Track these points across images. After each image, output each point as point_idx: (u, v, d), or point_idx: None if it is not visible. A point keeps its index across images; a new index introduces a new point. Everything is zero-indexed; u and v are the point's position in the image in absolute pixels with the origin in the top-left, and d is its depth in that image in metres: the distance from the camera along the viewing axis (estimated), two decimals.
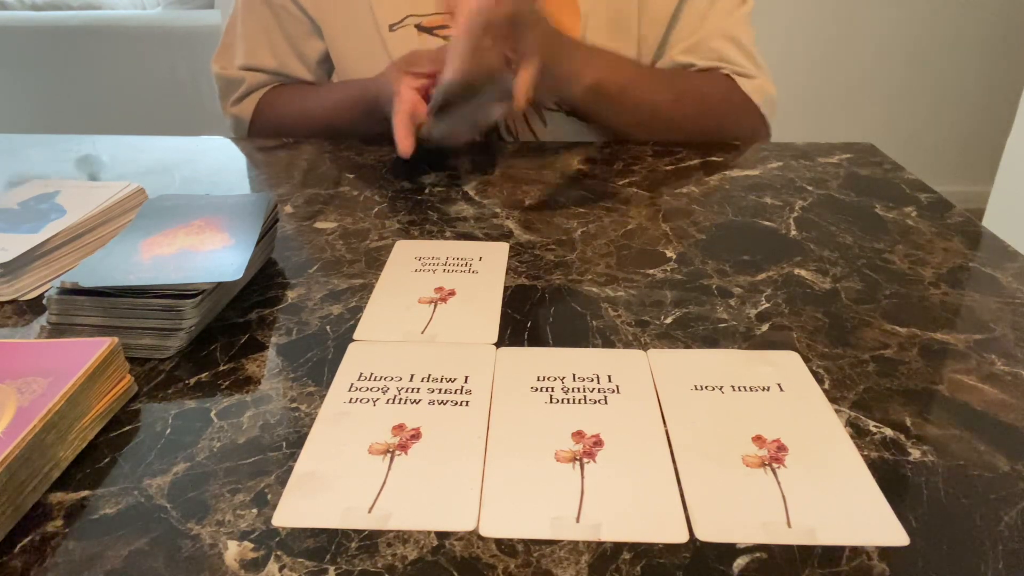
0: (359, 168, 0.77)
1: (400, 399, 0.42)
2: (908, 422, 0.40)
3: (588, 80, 0.76)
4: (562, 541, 0.33)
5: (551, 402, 0.42)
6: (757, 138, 0.86)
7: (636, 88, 0.80)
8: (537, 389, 0.43)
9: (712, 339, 0.47)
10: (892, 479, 0.36)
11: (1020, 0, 2.34)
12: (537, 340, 0.48)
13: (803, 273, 0.56)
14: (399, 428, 0.39)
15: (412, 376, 0.44)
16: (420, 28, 0.84)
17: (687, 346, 0.47)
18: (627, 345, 0.47)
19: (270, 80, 0.92)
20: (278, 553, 0.32)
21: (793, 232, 0.62)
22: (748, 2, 0.85)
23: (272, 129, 0.91)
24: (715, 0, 0.83)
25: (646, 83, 0.82)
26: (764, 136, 0.87)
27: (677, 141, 0.83)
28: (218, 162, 0.82)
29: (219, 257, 0.50)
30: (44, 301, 0.47)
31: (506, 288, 0.54)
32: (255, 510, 0.34)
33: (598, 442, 0.38)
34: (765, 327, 0.49)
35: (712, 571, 0.31)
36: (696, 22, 0.84)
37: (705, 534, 0.33)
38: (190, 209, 0.57)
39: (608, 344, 0.47)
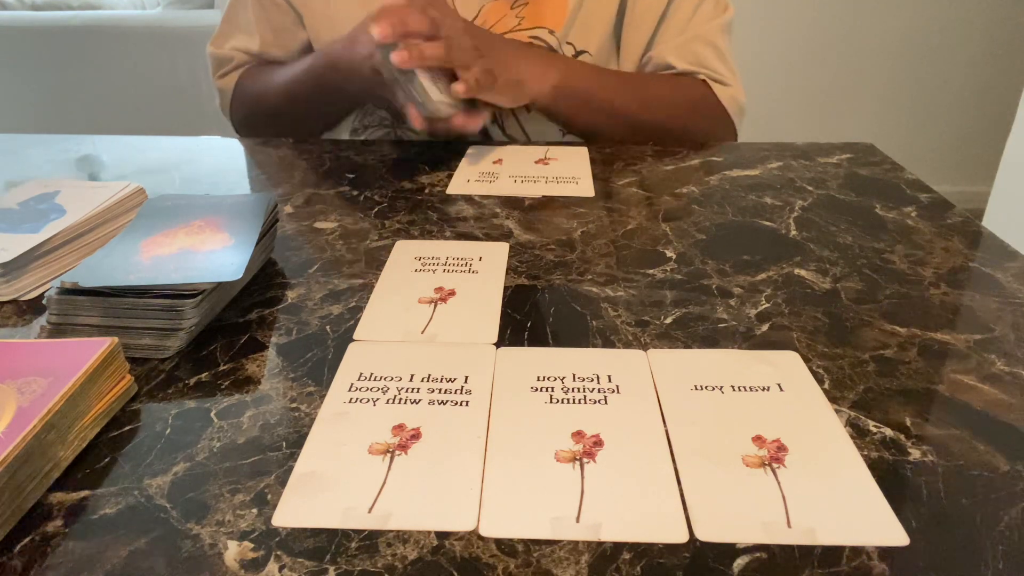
0: (359, 168, 0.77)
1: (400, 399, 0.42)
2: (908, 422, 0.40)
3: (550, 82, 0.78)
4: (562, 541, 0.33)
5: (551, 402, 0.42)
6: (715, 135, 0.89)
7: (599, 91, 0.82)
8: (537, 389, 0.43)
9: (712, 339, 0.47)
10: (892, 479, 0.36)
11: (1020, 0, 2.34)
12: (537, 340, 0.48)
13: (803, 273, 0.56)
14: (399, 428, 0.39)
15: (412, 376, 0.44)
16: None
17: (687, 346, 0.47)
18: (627, 345, 0.47)
19: (255, 60, 0.95)
20: (278, 553, 0.32)
21: (793, 232, 0.62)
22: (729, 11, 0.88)
23: (247, 104, 0.94)
24: (699, 5, 0.86)
25: (610, 87, 0.84)
26: (721, 132, 0.89)
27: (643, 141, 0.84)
28: (218, 162, 0.82)
29: (219, 257, 0.50)
30: (44, 301, 0.47)
31: (506, 288, 0.54)
32: (255, 510, 0.34)
33: (598, 442, 0.38)
34: (765, 327, 0.49)
35: (712, 571, 0.31)
36: (682, 24, 0.86)
37: (705, 534, 0.33)
38: (190, 209, 0.57)
39: (608, 344, 0.47)
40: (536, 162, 0.78)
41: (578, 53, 0.87)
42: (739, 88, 0.88)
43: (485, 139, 0.89)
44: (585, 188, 0.72)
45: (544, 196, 0.70)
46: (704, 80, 0.86)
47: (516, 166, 0.77)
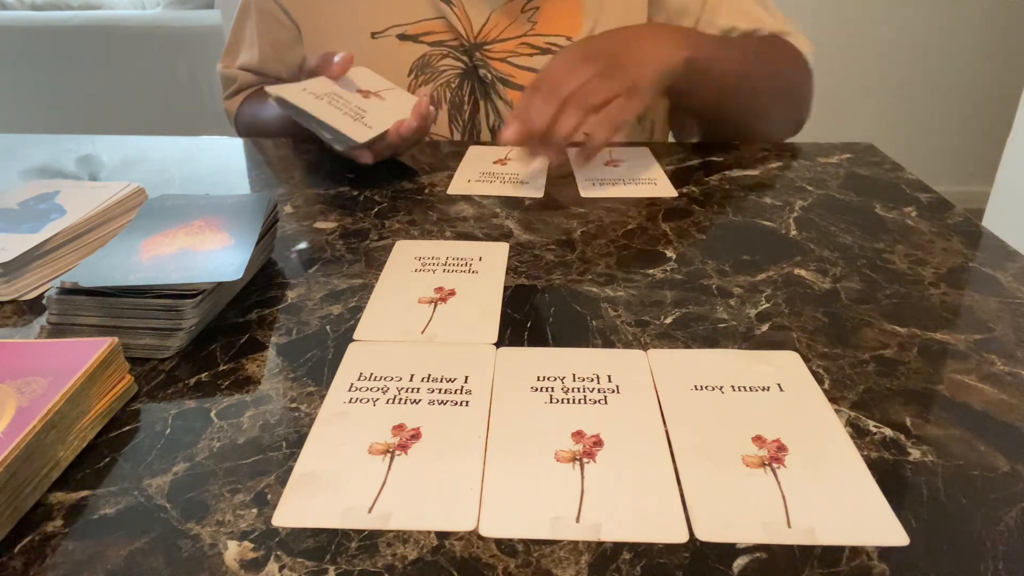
0: (359, 168, 0.77)
1: (400, 399, 0.42)
2: (908, 422, 0.40)
3: (680, 57, 0.73)
4: (562, 541, 0.33)
5: (551, 402, 0.41)
6: (808, 91, 0.86)
7: (721, 57, 0.78)
8: (537, 389, 0.43)
9: (712, 339, 0.47)
10: (892, 479, 0.36)
11: (1020, 0, 2.34)
12: (537, 340, 0.48)
13: (803, 273, 0.56)
14: (399, 428, 0.39)
15: (412, 376, 0.44)
16: (403, 37, 0.85)
17: (687, 346, 0.47)
18: (627, 345, 0.47)
19: (258, 80, 0.96)
20: (278, 553, 0.32)
21: (793, 232, 0.62)
22: None
23: (248, 129, 0.96)
24: None
25: (726, 50, 0.80)
26: (811, 89, 0.87)
27: (739, 120, 0.82)
28: (218, 162, 0.82)
29: (219, 257, 0.50)
30: (44, 301, 0.47)
31: (506, 288, 0.54)
32: (255, 510, 0.34)
33: (598, 442, 0.38)
34: (765, 327, 0.49)
35: (712, 571, 0.31)
36: None
37: (705, 534, 0.33)
38: (190, 209, 0.57)
39: (608, 344, 0.47)
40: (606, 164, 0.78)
41: None
42: (802, 35, 0.85)
43: (476, 118, 0.89)
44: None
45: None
46: (772, 33, 0.85)
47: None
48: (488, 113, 0.88)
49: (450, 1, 0.84)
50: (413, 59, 0.85)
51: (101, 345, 0.40)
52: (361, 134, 0.71)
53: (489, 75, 0.86)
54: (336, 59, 0.76)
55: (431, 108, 0.76)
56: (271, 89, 0.73)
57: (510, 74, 0.86)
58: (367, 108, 0.75)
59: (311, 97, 0.73)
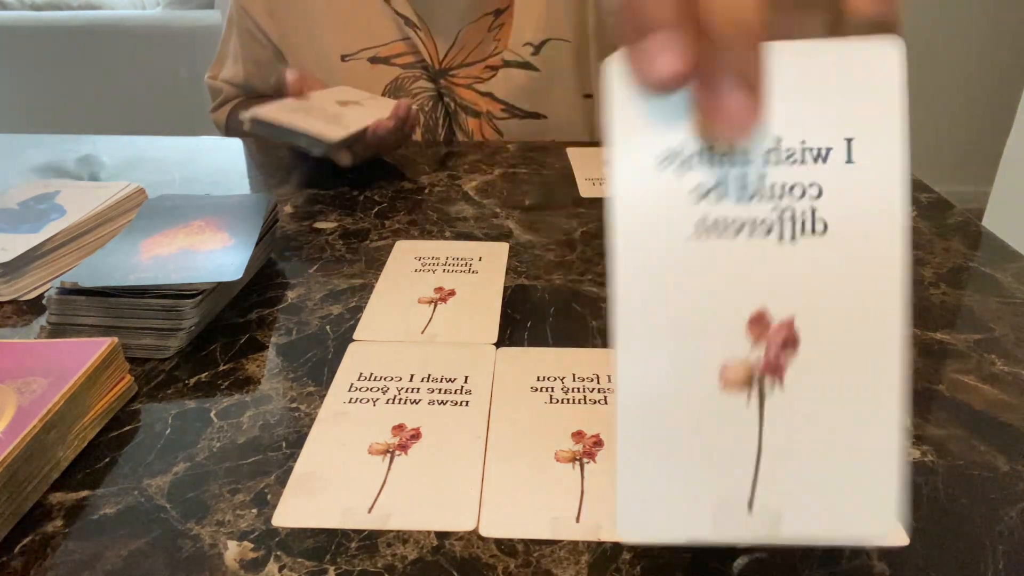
0: (359, 168, 0.77)
1: (400, 399, 0.42)
2: (908, 422, 0.40)
3: None
4: (562, 541, 0.33)
5: (551, 402, 0.41)
6: None
7: None
8: (537, 389, 0.43)
9: None
10: None
11: (1020, 0, 2.34)
12: (537, 340, 0.48)
13: None
14: (399, 428, 0.39)
15: (412, 376, 0.44)
16: (374, 60, 0.85)
17: None
18: None
19: (242, 93, 0.97)
20: (278, 553, 0.32)
21: None
22: None
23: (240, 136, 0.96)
24: None
25: None
26: None
27: None
28: (218, 162, 0.82)
29: (219, 257, 0.50)
30: (44, 301, 0.47)
31: (506, 288, 0.54)
32: (255, 510, 0.34)
33: (598, 442, 0.38)
34: None
35: (712, 571, 0.31)
36: None
37: None
38: (190, 209, 0.57)
39: (608, 344, 0.47)
40: None
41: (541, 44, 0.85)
42: None
43: (452, 142, 0.89)
44: None
45: None
46: None
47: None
48: (459, 138, 0.89)
49: (415, 25, 0.83)
50: (385, 82, 0.86)
51: (101, 345, 0.40)
52: (334, 133, 0.71)
53: (452, 103, 0.86)
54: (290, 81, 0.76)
55: (413, 110, 0.76)
56: (244, 119, 0.72)
57: (472, 101, 0.86)
58: (345, 112, 0.75)
59: (284, 111, 0.73)
